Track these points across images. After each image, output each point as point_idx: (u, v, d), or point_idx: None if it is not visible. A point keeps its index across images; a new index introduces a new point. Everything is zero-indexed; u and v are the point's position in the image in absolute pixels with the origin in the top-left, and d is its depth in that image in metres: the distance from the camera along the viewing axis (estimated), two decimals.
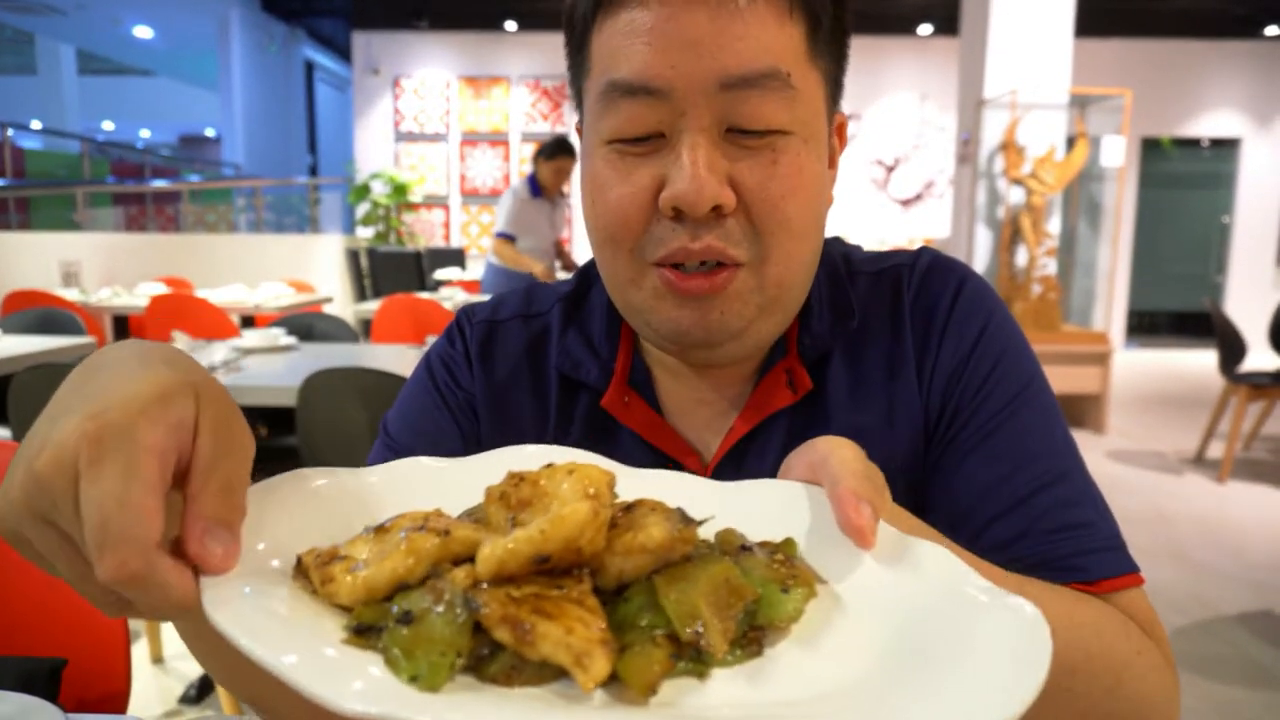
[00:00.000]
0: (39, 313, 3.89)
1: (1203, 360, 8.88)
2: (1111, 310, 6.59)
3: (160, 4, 11.48)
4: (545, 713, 0.34)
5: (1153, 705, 0.63)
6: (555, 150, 4.71)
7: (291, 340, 3.18)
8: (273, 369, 2.75)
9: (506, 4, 9.44)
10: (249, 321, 5.04)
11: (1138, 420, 6.21)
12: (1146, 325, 10.97)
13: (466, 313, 0.87)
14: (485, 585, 0.38)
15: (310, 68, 13.77)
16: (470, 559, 0.40)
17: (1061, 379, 5.66)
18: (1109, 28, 9.12)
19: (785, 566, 0.44)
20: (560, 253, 5.09)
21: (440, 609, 0.37)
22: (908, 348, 0.77)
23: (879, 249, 0.85)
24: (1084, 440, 5.57)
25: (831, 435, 0.52)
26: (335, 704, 0.31)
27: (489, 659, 0.37)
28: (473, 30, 10.04)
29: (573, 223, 9.14)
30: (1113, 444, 5.48)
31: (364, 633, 0.38)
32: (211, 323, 4.15)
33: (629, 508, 0.43)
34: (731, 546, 0.45)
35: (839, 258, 0.83)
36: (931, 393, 0.76)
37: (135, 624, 2.49)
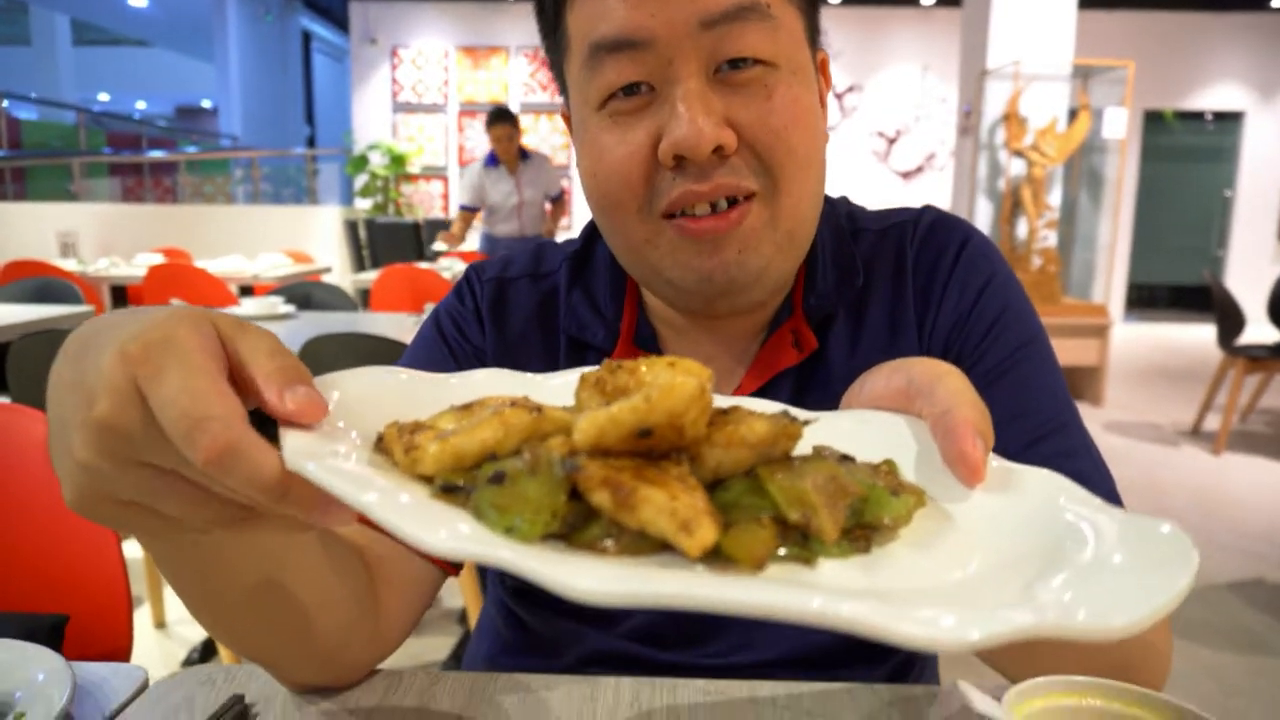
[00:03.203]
0: (37, 282, 3.88)
1: (1201, 334, 8.89)
2: (1111, 283, 6.58)
3: None
4: (651, 572, 0.32)
5: (1158, 651, 0.65)
6: (492, 119, 4.90)
7: (290, 309, 3.18)
8: None
9: None
10: (247, 292, 5.03)
11: (1136, 393, 6.22)
12: (1146, 298, 10.96)
13: (476, 269, 0.87)
14: (583, 455, 0.35)
15: (307, 38, 13.65)
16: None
17: (1061, 351, 5.63)
18: None
19: (890, 477, 0.41)
20: (537, 215, 5.16)
21: (535, 471, 0.35)
22: (910, 304, 0.77)
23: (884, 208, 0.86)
24: (1082, 412, 5.43)
25: (923, 358, 0.48)
26: (426, 543, 0.30)
27: (582, 527, 0.35)
28: (471, 0, 9.94)
29: (572, 196, 9.10)
30: (1111, 416, 5.50)
31: (451, 491, 0.36)
32: (210, 293, 4.14)
33: (725, 412, 0.40)
34: (832, 456, 0.42)
35: (844, 216, 0.83)
36: (932, 347, 0.76)
37: (138, 590, 2.51)
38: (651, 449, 0.36)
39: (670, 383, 0.36)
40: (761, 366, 0.76)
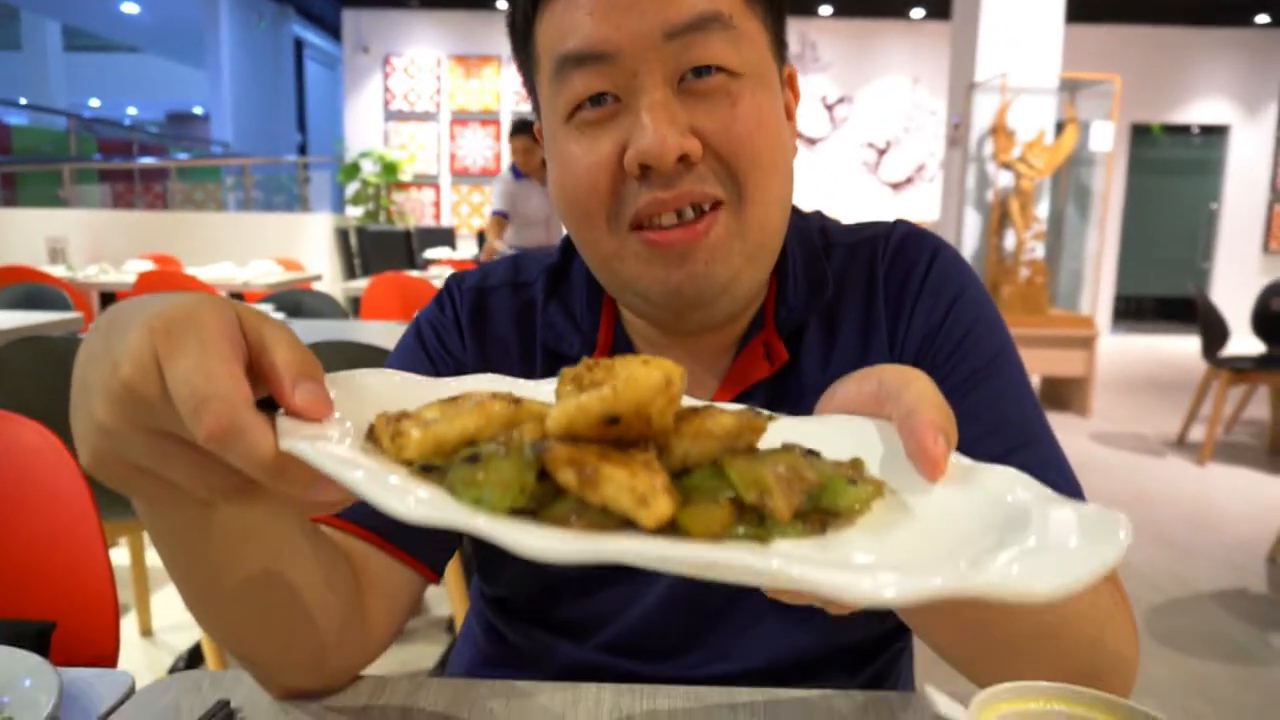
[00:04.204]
0: (25, 288, 3.87)
1: (1187, 345, 8.95)
2: (1098, 295, 6.62)
3: None
4: (606, 536, 0.34)
5: (1125, 660, 0.66)
6: (513, 131, 4.87)
7: (281, 317, 3.18)
8: None
9: None
10: (237, 299, 5.02)
11: (1122, 403, 6.26)
12: (1133, 310, 11.04)
13: (456, 279, 0.87)
14: (553, 439, 0.38)
15: (300, 45, 13.66)
16: None
17: (1047, 362, 5.71)
18: (1099, 13, 9.12)
19: (854, 470, 0.43)
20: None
21: (507, 453, 0.37)
22: (881, 318, 0.78)
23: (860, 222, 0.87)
24: (1068, 423, 5.62)
25: (893, 364, 0.50)
26: (398, 510, 0.32)
27: (550, 503, 0.37)
28: (463, 9, 9.97)
29: None
30: (1097, 426, 5.53)
31: (429, 471, 0.38)
32: None
33: (697, 409, 0.43)
34: (798, 450, 0.43)
35: (816, 231, 0.84)
36: (903, 361, 0.77)
37: (125, 597, 2.50)
38: (620, 437, 0.38)
39: (637, 374, 0.38)
40: (734, 379, 0.77)
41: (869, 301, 0.79)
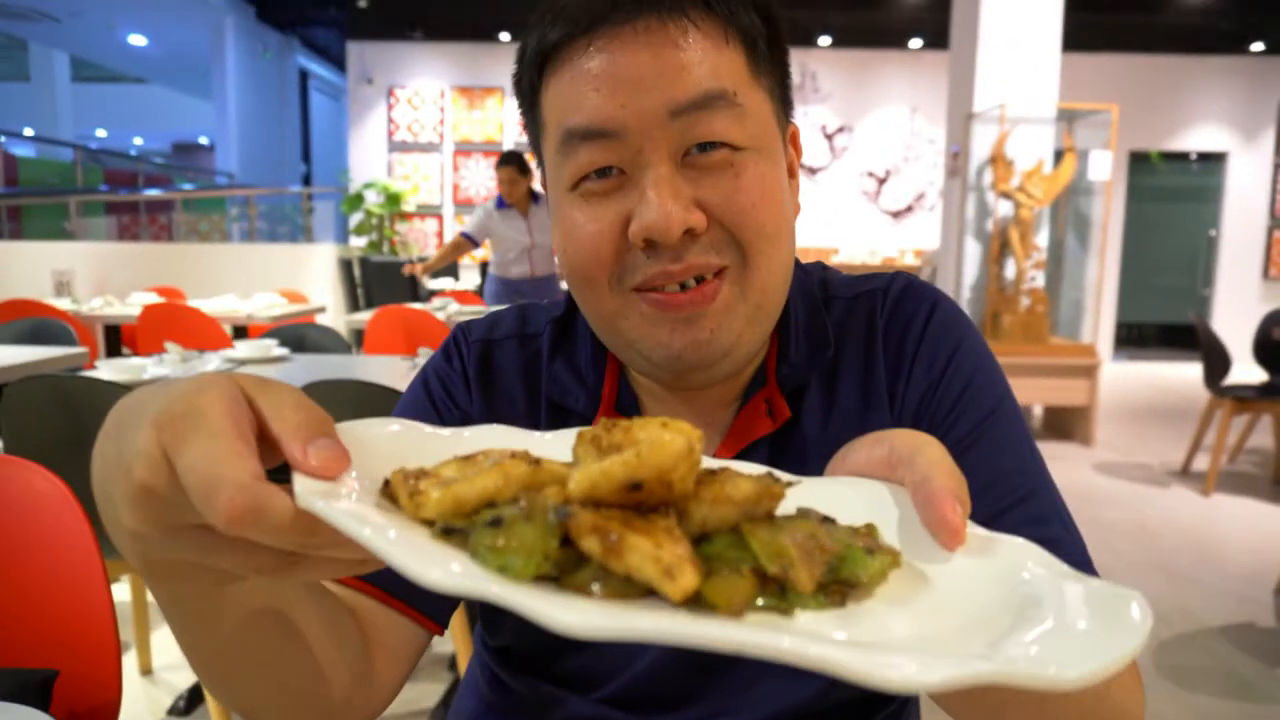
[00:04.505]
0: (31, 322, 3.89)
1: (1190, 372, 8.94)
2: (1099, 323, 6.64)
3: (154, 12, 11.49)
4: (633, 611, 0.33)
5: (1131, 711, 0.66)
6: (501, 161, 4.98)
7: (284, 351, 3.19)
8: None
9: (500, 15, 9.49)
10: (241, 332, 5.04)
11: (1125, 432, 6.25)
12: (1134, 338, 11.05)
13: (463, 330, 0.88)
14: (575, 504, 0.38)
15: (305, 76, 13.79)
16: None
17: (1049, 391, 5.70)
18: (1096, 43, 9.21)
19: (869, 538, 0.43)
20: (548, 257, 5.25)
21: (530, 517, 0.37)
22: (881, 373, 0.79)
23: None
24: (1071, 452, 5.61)
25: (905, 429, 0.50)
26: (420, 576, 0.32)
27: (572, 571, 0.37)
28: (467, 41, 10.08)
29: None
30: (1100, 456, 5.52)
31: (451, 534, 0.38)
32: (204, 333, 4.16)
33: (714, 472, 0.43)
34: (814, 517, 0.44)
35: (817, 284, 0.85)
36: (903, 416, 0.78)
37: (125, 636, 2.50)
38: (641, 503, 0.38)
39: (660, 440, 0.38)
40: (736, 435, 0.78)
41: (869, 355, 0.80)
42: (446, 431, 0.50)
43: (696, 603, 0.36)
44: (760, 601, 0.38)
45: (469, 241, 5.23)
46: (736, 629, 0.32)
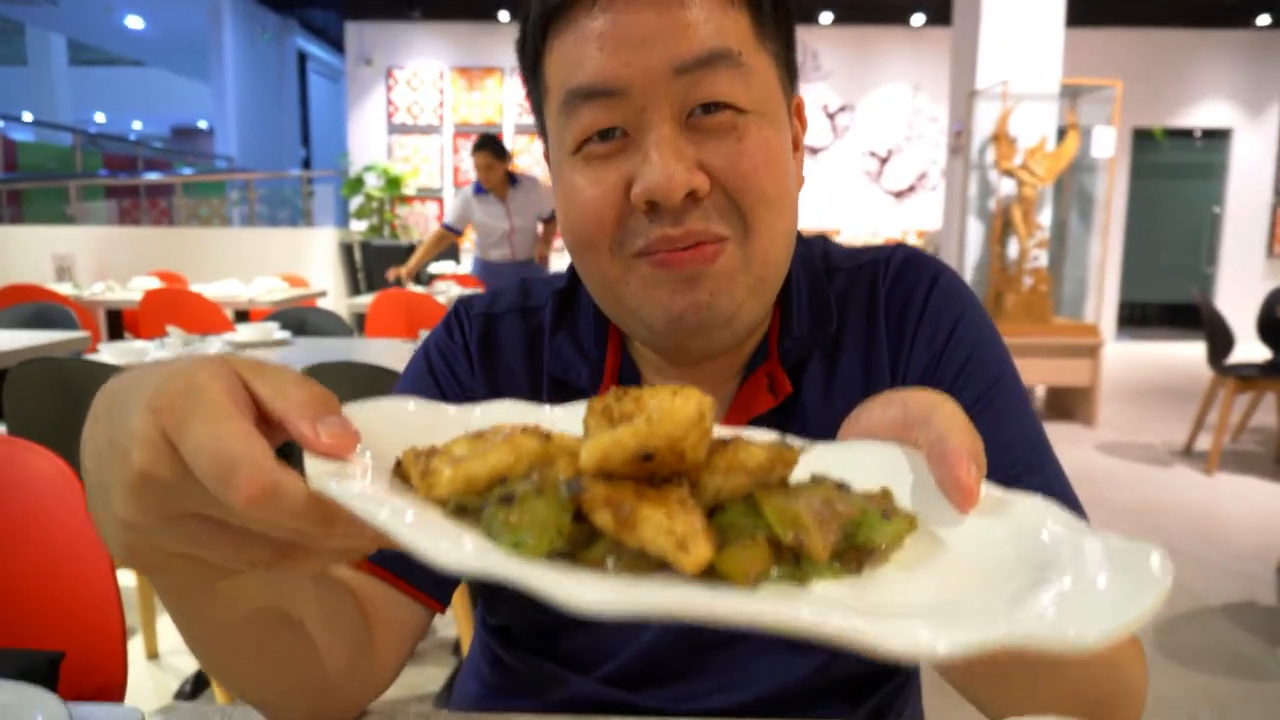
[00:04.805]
0: (32, 307, 3.89)
1: (1193, 351, 8.92)
2: (1102, 302, 6.62)
3: None
4: (648, 587, 0.33)
5: (1136, 687, 0.66)
6: (477, 146, 4.94)
7: (285, 335, 3.19)
8: None
9: None
10: (243, 316, 5.04)
11: (1128, 412, 6.25)
12: (1137, 317, 11.02)
13: (465, 304, 0.88)
14: (587, 477, 0.37)
15: (303, 58, 13.71)
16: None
17: (1052, 371, 5.70)
18: (1100, 17, 9.12)
19: (884, 502, 0.43)
20: (529, 240, 5.22)
21: (542, 492, 0.37)
22: (883, 346, 0.79)
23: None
24: (1074, 432, 5.61)
25: (918, 389, 0.49)
26: (436, 558, 0.31)
27: (586, 546, 0.36)
28: (465, 20, 10.00)
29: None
30: (1103, 436, 5.52)
31: (464, 512, 0.38)
32: (205, 317, 4.15)
33: (726, 440, 0.42)
34: (829, 483, 0.43)
35: (819, 256, 0.84)
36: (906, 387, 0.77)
37: (131, 620, 2.51)
38: (654, 473, 0.38)
39: (671, 407, 0.38)
40: (738, 410, 0.77)
41: (870, 328, 0.79)
42: (456, 407, 0.50)
43: (711, 572, 0.36)
44: (775, 571, 0.38)
45: (451, 232, 5.22)
46: (753, 602, 0.31)
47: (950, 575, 0.39)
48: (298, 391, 0.40)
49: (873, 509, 0.41)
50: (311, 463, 0.37)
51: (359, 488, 0.36)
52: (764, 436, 0.45)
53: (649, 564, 0.36)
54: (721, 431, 0.45)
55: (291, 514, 0.36)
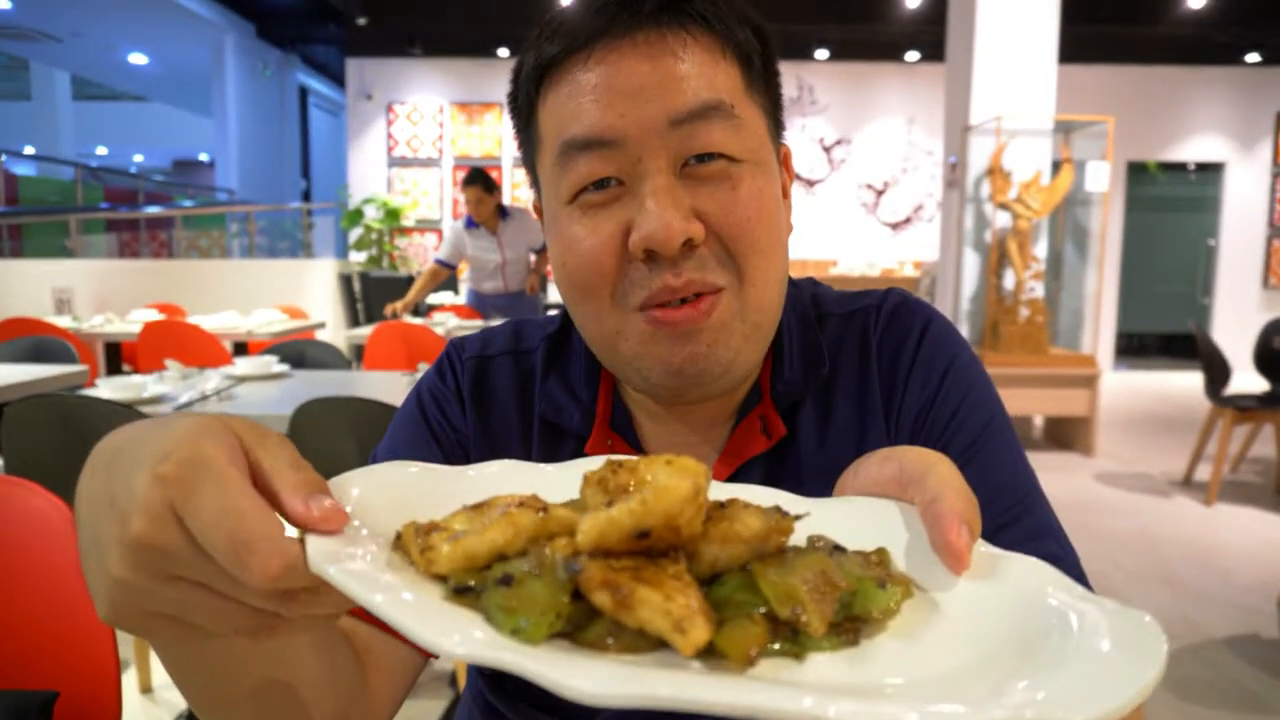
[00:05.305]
0: (31, 341, 3.90)
1: (1191, 381, 8.93)
2: (1099, 333, 6.64)
3: (155, 31, 11.55)
4: (648, 672, 0.33)
5: None
6: (467, 181, 4.98)
7: (284, 368, 3.19)
8: (265, 397, 2.76)
9: (498, 32, 9.56)
10: (242, 348, 5.05)
11: (1126, 442, 6.24)
12: (1135, 347, 11.05)
13: (456, 347, 0.88)
14: (585, 556, 0.38)
15: (304, 93, 13.85)
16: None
17: (1050, 402, 5.70)
18: (1093, 54, 9.25)
19: (880, 567, 0.43)
20: (520, 272, 5.24)
21: (540, 573, 0.37)
22: (876, 390, 0.79)
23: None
24: (1072, 463, 5.60)
25: (914, 446, 0.50)
26: (437, 646, 0.32)
27: (586, 626, 0.37)
28: (465, 57, 10.13)
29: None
30: (1101, 466, 5.51)
31: (463, 593, 0.38)
32: (204, 350, 4.16)
33: (722, 505, 0.43)
34: (825, 547, 0.44)
35: (809, 300, 0.85)
36: (899, 434, 0.78)
37: (125, 653, 2.49)
38: (650, 548, 0.39)
39: (666, 485, 0.38)
40: (732, 452, 0.77)
41: (864, 373, 0.80)
42: (452, 470, 0.50)
43: (709, 650, 0.36)
44: (774, 645, 0.38)
45: (445, 267, 5.23)
46: (754, 690, 0.32)
47: (947, 644, 0.39)
48: (293, 473, 0.41)
49: (869, 578, 0.41)
50: (312, 543, 0.38)
51: (356, 568, 0.37)
52: (761, 499, 0.45)
53: (648, 642, 0.36)
54: (719, 489, 0.46)
55: (310, 593, 0.38)
